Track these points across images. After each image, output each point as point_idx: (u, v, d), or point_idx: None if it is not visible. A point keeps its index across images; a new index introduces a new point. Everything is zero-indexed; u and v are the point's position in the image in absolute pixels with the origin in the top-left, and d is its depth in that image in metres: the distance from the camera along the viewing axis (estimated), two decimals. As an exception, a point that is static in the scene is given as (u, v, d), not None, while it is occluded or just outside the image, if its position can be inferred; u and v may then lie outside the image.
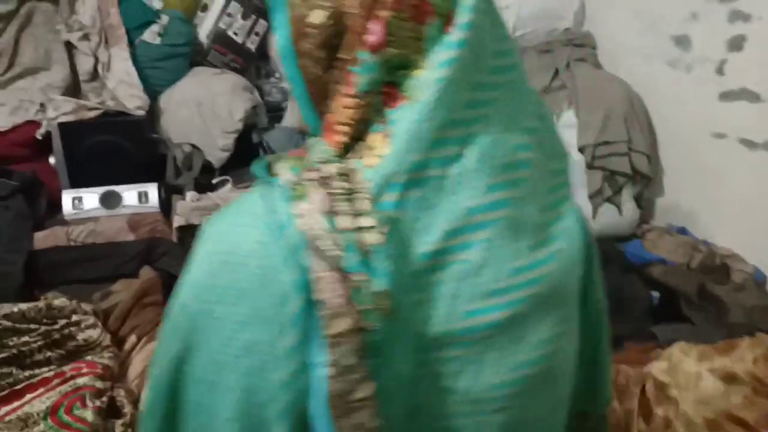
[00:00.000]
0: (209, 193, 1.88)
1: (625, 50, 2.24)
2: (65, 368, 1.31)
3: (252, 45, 2.21)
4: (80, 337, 1.40)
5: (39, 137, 1.82)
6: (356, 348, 0.45)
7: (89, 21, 1.86)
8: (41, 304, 1.42)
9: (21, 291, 1.64)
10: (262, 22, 2.20)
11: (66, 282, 1.72)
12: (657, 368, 1.33)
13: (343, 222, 0.46)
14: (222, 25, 2.15)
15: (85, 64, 1.89)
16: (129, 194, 1.84)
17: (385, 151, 0.48)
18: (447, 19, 0.49)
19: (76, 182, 1.86)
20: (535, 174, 0.53)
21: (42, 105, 1.82)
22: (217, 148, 2.04)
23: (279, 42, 0.52)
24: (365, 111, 0.50)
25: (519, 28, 2.34)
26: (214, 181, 1.95)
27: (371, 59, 0.49)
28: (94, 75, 1.91)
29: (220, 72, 2.12)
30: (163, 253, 1.83)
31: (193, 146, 2.02)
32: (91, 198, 1.81)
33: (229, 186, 1.95)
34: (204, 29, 2.17)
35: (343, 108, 0.50)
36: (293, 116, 2.25)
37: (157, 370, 0.52)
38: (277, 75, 2.35)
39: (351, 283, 0.45)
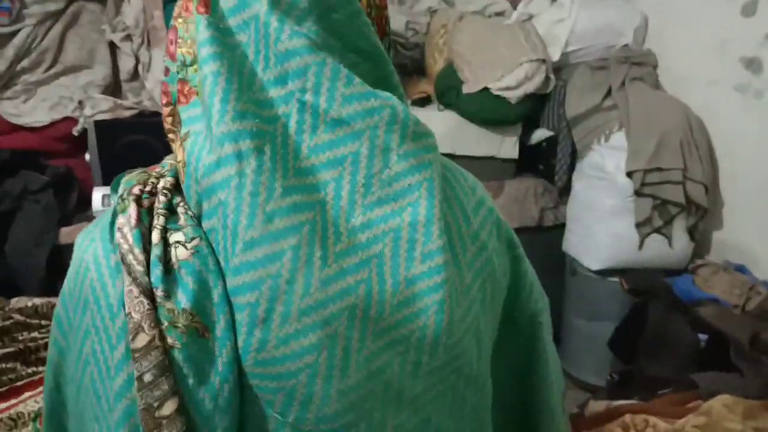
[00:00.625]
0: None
1: (689, 71, 2.08)
2: (67, 367, 1.30)
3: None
4: (88, 336, 1.39)
5: (75, 134, 1.85)
6: (156, 364, 0.44)
7: (132, 22, 1.88)
8: (55, 300, 1.42)
9: (44, 284, 1.66)
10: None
11: (89, 278, 1.73)
12: (693, 423, 1.19)
13: (155, 237, 0.47)
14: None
15: (126, 64, 1.92)
16: (158, 195, 1.84)
17: (183, 159, 0.48)
18: (200, 2, 0.48)
19: (109, 180, 1.87)
20: (350, 171, 0.47)
21: (80, 102, 1.85)
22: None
23: None
24: (177, 119, 0.50)
25: (573, 43, 2.22)
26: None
27: (172, 67, 0.50)
28: (135, 75, 1.93)
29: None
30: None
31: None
32: (120, 196, 1.82)
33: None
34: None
35: (165, 118, 0.51)
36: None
37: (47, 371, 0.54)
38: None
39: (155, 300, 0.45)
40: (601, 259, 1.94)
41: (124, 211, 0.48)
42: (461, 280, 0.50)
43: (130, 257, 0.46)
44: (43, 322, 1.37)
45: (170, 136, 0.51)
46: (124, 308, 0.45)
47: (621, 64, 2.13)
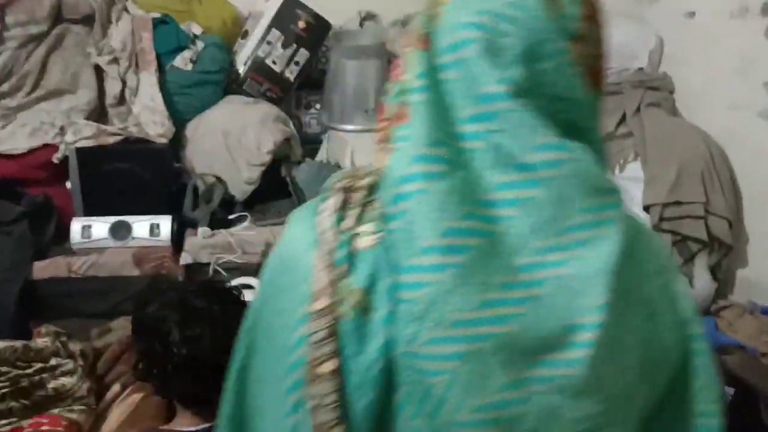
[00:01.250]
0: (223, 230, 1.75)
1: (709, 97, 1.95)
2: (24, 423, 1.17)
3: (291, 74, 2.09)
4: (51, 386, 1.27)
5: (56, 161, 1.76)
6: (326, 327, 0.52)
7: (119, 45, 1.80)
8: (18, 344, 1.30)
9: (14, 322, 1.56)
10: (302, 51, 2.08)
11: (63, 315, 1.62)
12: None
13: (347, 223, 0.55)
14: (260, 54, 2.05)
15: (112, 89, 1.83)
16: (140, 225, 1.74)
17: (385, 164, 0.55)
18: (424, 40, 0.55)
19: (91, 210, 1.78)
20: (526, 213, 0.52)
21: (62, 128, 1.76)
22: (242, 181, 1.92)
23: None
24: (389, 133, 0.57)
25: (585, 66, 2.10)
26: (231, 217, 1.82)
27: (391, 89, 0.58)
28: (121, 100, 1.84)
29: (253, 102, 2.00)
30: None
31: (217, 178, 1.91)
32: (100, 227, 1.72)
33: (246, 223, 1.81)
34: (242, 57, 2.07)
35: (378, 130, 0.60)
36: (329, 150, 2.10)
37: (248, 313, 0.62)
38: (317, 106, 2.22)
39: (335, 274, 0.53)
40: (615, 299, 1.79)
41: (328, 198, 0.56)
42: (620, 343, 0.52)
43: (324, 236, 0.54)
44: (3, 369, 1.26)
45: (380, 145, 0.59)
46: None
47: (635, 89, 2.01)
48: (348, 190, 0.57)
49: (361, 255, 0.53)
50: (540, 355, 0.50)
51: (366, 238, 0.54)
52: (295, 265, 0.56)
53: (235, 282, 1.59)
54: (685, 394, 0.58)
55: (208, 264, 1.70)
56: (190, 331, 0.99)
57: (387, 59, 2.12)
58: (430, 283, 0.50)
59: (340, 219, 0.55)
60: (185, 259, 1.68)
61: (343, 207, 0.56)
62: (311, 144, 2.17)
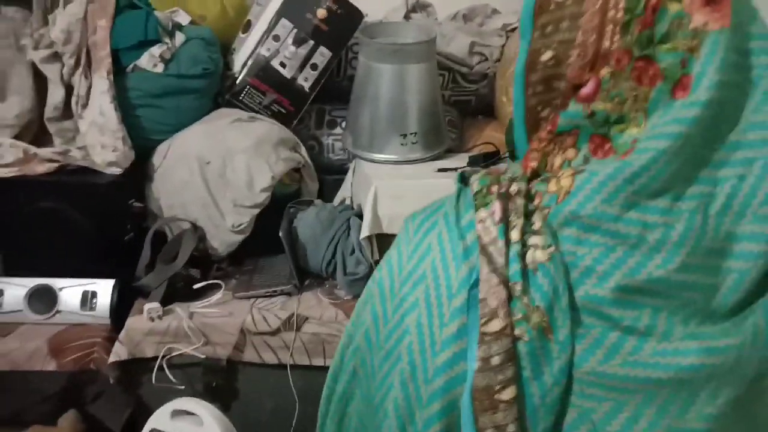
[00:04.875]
0: (177, 309, 1.20)
1: None
2: None
3: (306, 81, 1.53)
4: None
5: (-39, 197, 1.28)
6: (505, 350, 0.55)
7: (61, 35, 1.29)
8: None
9: None
10: (322, 50, 1.52)
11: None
12: None
13: (514, 235, 0.58)
14: (264, 52, 1.50)
15: (53, 96, 1.33)
16: (69, 293, 1.23)
17: (568, 187, 0.59)
18: (677, 84, 0.57)
19: (9, 267, 1.29)
20: (757, 268, 0.58)
21: (-27, 151, 1.27)
22: (225, 229, 1.37)
23: (516, 66, 0.65)
24: (556, 148, 0.63)
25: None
26: (197, 286, 1.27)
27: (575, 107, 0.62)
28: (67, 111, 1.34)
29: (248, 119, 1.46)
30: (97, 393, 1.19)
31: (192, 224, 1.37)
32: (14, 293, 1.22)
33: (220, 294, 1.26)
34: (241, 57, 1.53)
35: (539, 140, 0.64)
36: (354, 185, 1.53)
37: (348, 331, 0.69)
38: (343, 125, 1.65)
39: (510, 291, 0.56)
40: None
41: (486, 205, 0.61)
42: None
43: (492, 249, 0.57)
44: None
45: (536, 157, 0.64)
46: (466, 291, 0.57)
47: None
48: (505, 197, 0.60)
49: (537, 270, 0.56)
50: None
51: (539, 251, 0.57)
52: (435, 278, 0.58)
53: (171, 406, 1.04)
54: None
55: (153, 359, 1.17)
56: None
57: (437, 65, 1.53)
58: (624, 318, 0.55)
59: (505, 229, 0.58)
60: (118, 353, 1.15)
61: (505, 216, 0.58)
62: (336, 175, 1.61)
